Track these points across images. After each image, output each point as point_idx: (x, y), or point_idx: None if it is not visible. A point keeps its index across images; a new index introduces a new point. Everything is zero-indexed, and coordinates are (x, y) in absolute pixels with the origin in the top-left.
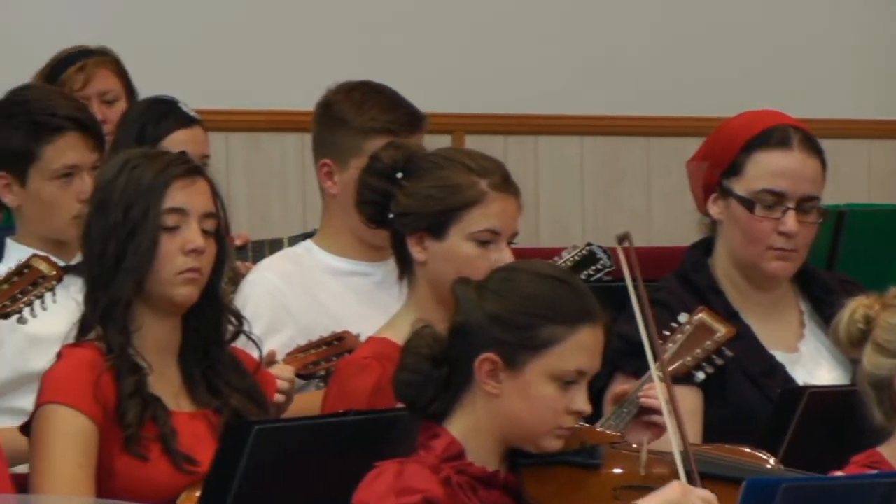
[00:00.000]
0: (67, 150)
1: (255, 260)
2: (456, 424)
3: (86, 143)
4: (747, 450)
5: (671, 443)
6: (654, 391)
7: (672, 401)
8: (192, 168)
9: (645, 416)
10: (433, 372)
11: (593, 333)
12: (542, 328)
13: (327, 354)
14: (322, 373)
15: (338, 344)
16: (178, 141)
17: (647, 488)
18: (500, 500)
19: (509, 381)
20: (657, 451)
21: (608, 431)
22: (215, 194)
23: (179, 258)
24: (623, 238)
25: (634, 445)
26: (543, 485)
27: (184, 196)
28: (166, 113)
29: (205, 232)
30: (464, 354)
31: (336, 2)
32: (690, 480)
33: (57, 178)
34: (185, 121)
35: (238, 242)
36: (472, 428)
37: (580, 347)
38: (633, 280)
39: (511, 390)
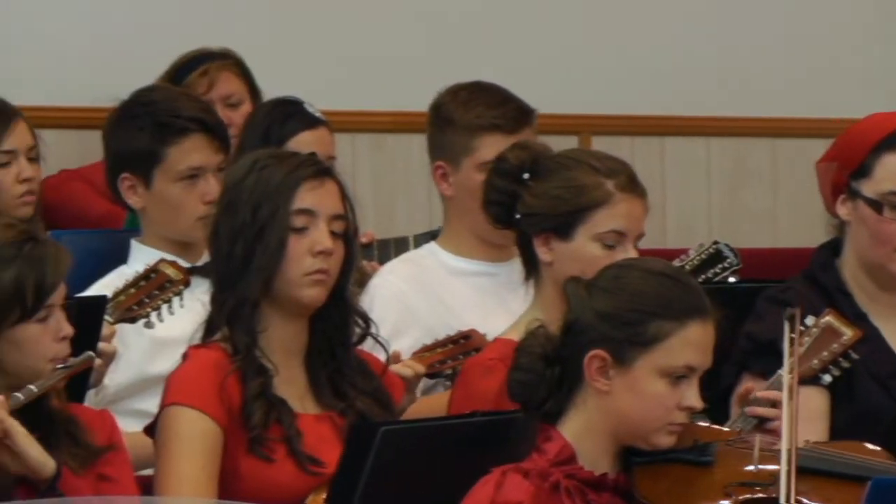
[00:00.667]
0: (192, 151)
1: (381, 259)
2: (569, 425)
3: (210, 144)
4: (877, 448)
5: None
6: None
7: (792, 398)
8: (322, 169)
9: (768, 424)
10: (546, 371)
11: (703, 329)
12: (651, 323)
13: (454, 353)
14: (449, 371)
15: (464, 342)
16: (303, 142)
17: (758, 485)
18: (612, 501)
19: (619, 378)
20: (770, 448)
21: (726, 430)
22: (344, 196)
23: (307, 259)
24: (792, 316)
25: (748, 443)
26: (655, 483)
27: (313, 197)
28: (291, 114)
29: (333, 233)
30: (575, 352)
31: (461, 4)
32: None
33: (181, 179)
34: (311, 122)
35: (363, 240)
36: (585, 428)
37: (689, 343)
38: (791, 358)
39: (621, 387)
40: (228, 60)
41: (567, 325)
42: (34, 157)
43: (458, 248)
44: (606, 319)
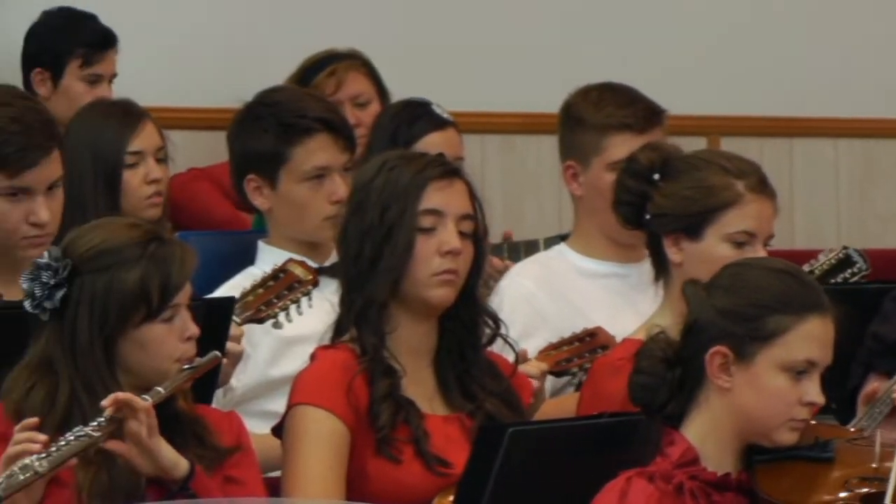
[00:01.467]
0: (318, 151)
1: (511, 261)
2: (692, 427)
3: (336, 144)
4: None
5: None
6: None
7: None
8: (450, 170)
9: None
10: (667, 374)
11: (822, 324)
12: (770, 318)
13: (580, 351)
14: (575, 369)
15: (590, 340)
16: (431, 143)
17: (879, 480)
18: (735, 501)
19: (740, 374)
20: (892, 445)
21: (847, 428)
22: (473, 196)
23: (436, 259)
24: None
25: (869, 440)
26: (778, 480)
27: (441, 197)
28: (419, 116)
29: (462, 233)
30: (696, 352)
31: (591, 5)
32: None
33: (307, 179)
34: (439, 123)
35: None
36: (707, 428)
37: (809, 337)
38: None
39: (742, 383)
40: (356, 61)
41: (688, 326)
42: (162, 159)
43: (588, 249)
44: (726, 316)
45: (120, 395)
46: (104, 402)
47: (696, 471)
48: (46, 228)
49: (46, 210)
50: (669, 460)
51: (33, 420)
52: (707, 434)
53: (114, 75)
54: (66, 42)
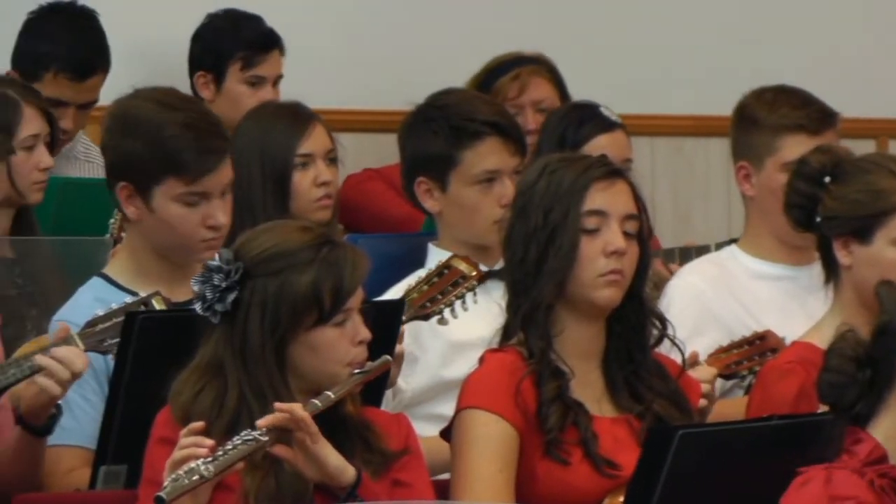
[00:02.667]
0: (488, 155)
1: (682, 265)
2: (881, 427)
3: (506, 147)
4: None
5: None
6: None
7: None
8: (612, 170)
9: None
10: (857, 373)
11: None
12: None
13: (749, 354)
14: (745, 372)
15: (760, 343)
16: (599, 146)
17: None
18: None
19: None
20: None
21: None
22: (636, 196)
23: (601, 260)
24: None
25: None
26: None
27: (604, 198)
28: (587, 118)
29: (626, 234)
30: (887, 353)
31: (759, 10)
32: None
33: (477, 183)
34: (607, 125)
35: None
36: None
37: None
38: None
39: None
40: (541, 66)
41: (880, 327)
42: (332, 161)
43: (759, 251)
44: None
45: (280, 405)
46: (260, 423)
47: (885, 468)
48: (222, 231)
49: (224, 213)
50: (857, 458)
51: (199, 424)
52: (894, 435)
53: (278, 77)
54: (228, 44)
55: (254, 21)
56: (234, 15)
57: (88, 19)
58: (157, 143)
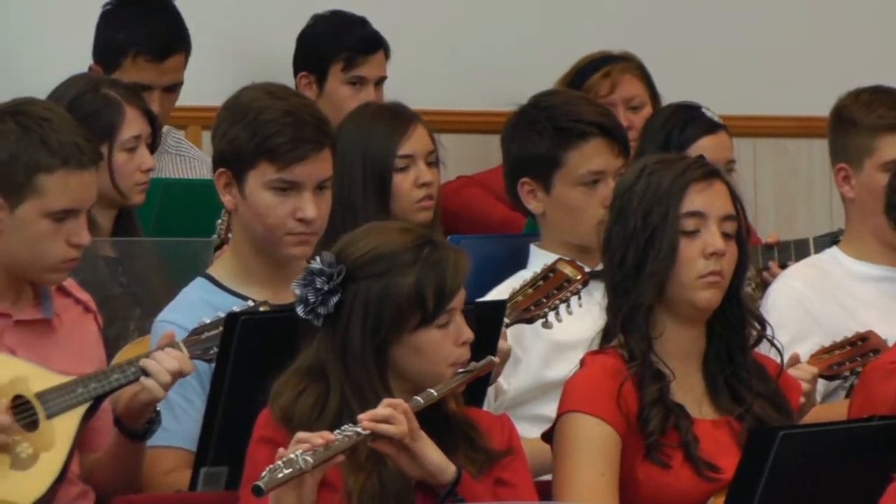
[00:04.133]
0: (593, 156)
1: (781, 260)
2: None
3: (611, 148)
4: None
5: None
6: None
7: None
8: (710, 171)
9: None
10: None
11: None
12: None
13: (851, 355)
14: (847, 373)
15: (862, 344)
16: (703, 147)
17: None
18: None
19: None
20: None
21: None
22: (734, 197)
23: (700, 262)
24: None
25: None
26: None
27: (702, 199)
28: (690, 119)
29: (725, 234)
30: None
31: (860, 8)
32: None
33: (582, 184)
34: (710, 127)
35: (769, 241)
36: None
37: None
38: None
39: None
40: (631, 63)
41: None
42: (433, 162)
43: (861, 253)
44: None
45: (378, 409)
46: (362, 416)
47: None
48: (312, 226)
49: (314, 207)
50: None
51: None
52: None
53: (381, 79)
54: (330, 46)
55: (358, 23)
56: (340, 17)
57: (162, 2)
58: (255, 125)
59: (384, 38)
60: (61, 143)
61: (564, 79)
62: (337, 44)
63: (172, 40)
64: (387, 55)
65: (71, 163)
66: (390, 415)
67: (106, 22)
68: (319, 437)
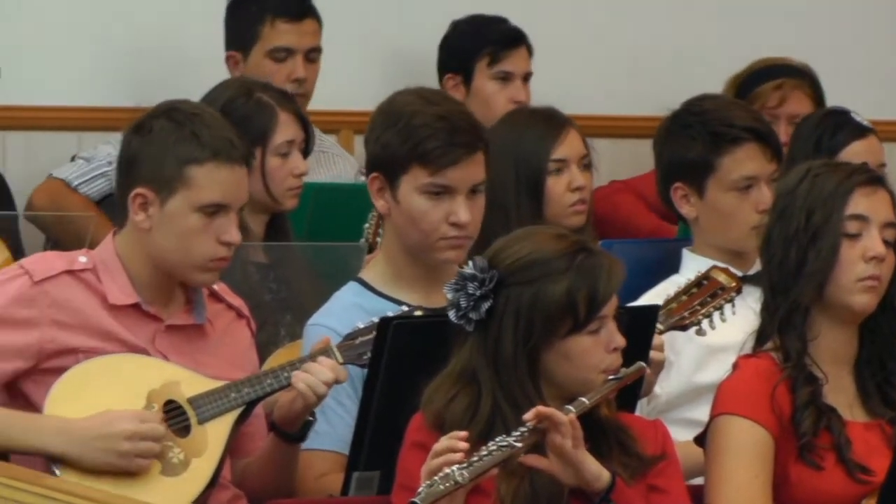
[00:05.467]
0: (746, 161)
1: None
2: None
3: (764, 153)
4: None
5: None
6: None
7: None
8: (875, 178)
9: None
10: None
11: None
12: None
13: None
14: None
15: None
16: (854, 152)
17: None
18: None
19: None
20: None
21: None
22: (895, 206)
23: (860, 265)
24: None
25: None
26: None
27: (867, 204)
28: (841, 124)
29: (885, 242)
30: None
31: None
32: None
33: (735, 188)
34: (860, 131)
35: None
36: None
37: None
38: None
39: None
40: (805, 80)
41: None
42: (586, 166)
43: None
44: None
45: (542, 408)
46: (527, 416)
47: None
48: (466, 230)
49: (467, 211)
50: None
51: (462, 434)
52: None
53: (528, 74)
54: (474, 43)
55: (498, 21)
56: (478, 18)
57: None
58: (408, 130)
59: (525, 33)
60: (212, 136)
61: (735, 80)
62: (480, 41)
63: (304, 1)
64: (530, 51)
65: (221, 155)
66: (553, 413)
67: (234, 9)
68: (460, 442)
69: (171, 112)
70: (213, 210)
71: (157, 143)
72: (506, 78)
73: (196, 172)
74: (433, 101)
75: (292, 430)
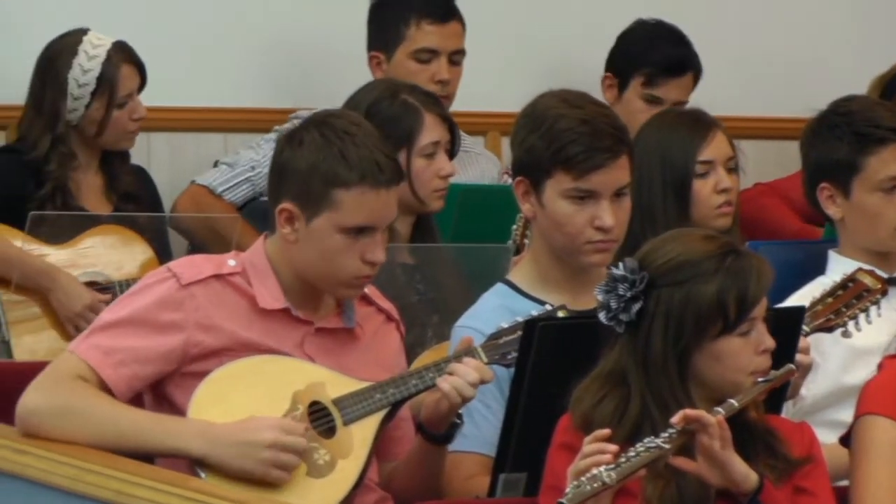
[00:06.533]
0: (891, 161)
1: None
2: None
3: None
4: None
5: None
6: None
7: None
8: None
9: None
10: None
11: None
12: None
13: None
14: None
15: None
16: None
17: None
18: None
19: None
20: None
21: None
22: None
23: None
24: None
25: None
26: None
27: None
28: None
29: None
30: None
31: None
32: None
33: (880, 189)
34: None
35: None
36: None
37: None
38: None
39: None
40: None
41: None
42: (733, 168)
43: None
44: None
45: (689, 411)
46: (674, 419)
47: None
48: (611, 234)
49: (611, 215)
50: None
51: (605, 432)
52: None
53: (680, 103)
54: (639, 55)
55: (674, 41)
56: (660, 28)
57: None
58: (552, 134)
59: (698, 60)
60: (361, 158)
61: (880, 81)
62: (644, 57)
63: (451, 5)
64: (696, 79)
65: (368, 179)
66: (701, 415)
67: (377, 10)
68: (609, 444)
69: (323, 126)
70: (358, 232)
71: (306, 159)
72: (655, 102)
73: (342, 196)
74: (576, 104)
75: (438, 431)
